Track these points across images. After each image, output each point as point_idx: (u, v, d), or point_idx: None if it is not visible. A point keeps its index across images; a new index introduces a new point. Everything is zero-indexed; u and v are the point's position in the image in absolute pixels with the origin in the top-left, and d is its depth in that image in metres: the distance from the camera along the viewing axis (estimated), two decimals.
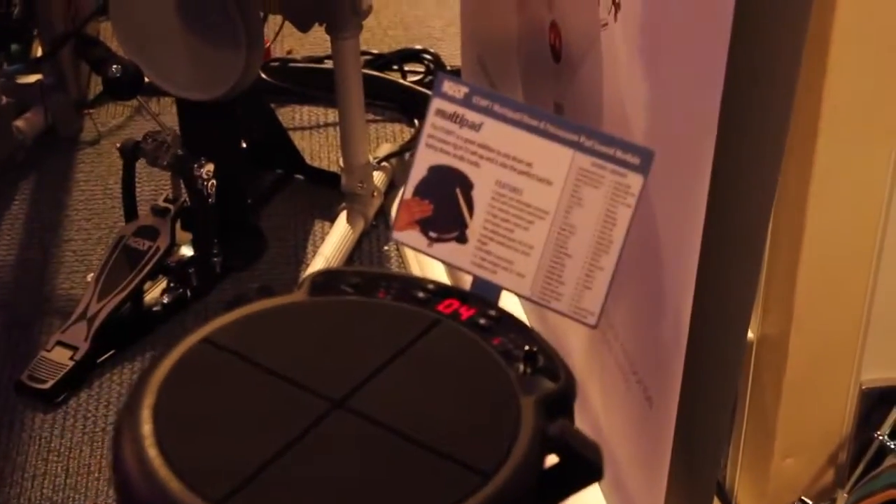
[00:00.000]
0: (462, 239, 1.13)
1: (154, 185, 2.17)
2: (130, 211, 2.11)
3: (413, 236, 1.15)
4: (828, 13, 1.15)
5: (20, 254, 2.28)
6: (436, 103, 1.15)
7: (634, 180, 1.06)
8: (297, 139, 2.50)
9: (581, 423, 1.03)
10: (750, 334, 1.36)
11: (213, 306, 2.09)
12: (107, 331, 1.98)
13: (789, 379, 1.34)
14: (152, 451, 0.93)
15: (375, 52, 2.74)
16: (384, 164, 2.36)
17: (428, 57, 2.74)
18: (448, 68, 2.63)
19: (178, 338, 1.04)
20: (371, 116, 2.45)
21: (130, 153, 2.07)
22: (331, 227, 2.24)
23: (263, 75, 2.54)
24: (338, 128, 2.29)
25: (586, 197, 1.08)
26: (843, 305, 1.32)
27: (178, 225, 2.08)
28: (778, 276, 1.31)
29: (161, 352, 1.03)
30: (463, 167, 1.14)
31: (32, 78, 2.50)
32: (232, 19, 1.91)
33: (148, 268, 2.02)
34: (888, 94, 1.22)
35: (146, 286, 2.06)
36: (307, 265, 2.18)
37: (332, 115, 2.60)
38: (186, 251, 2.13)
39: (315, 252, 2.19)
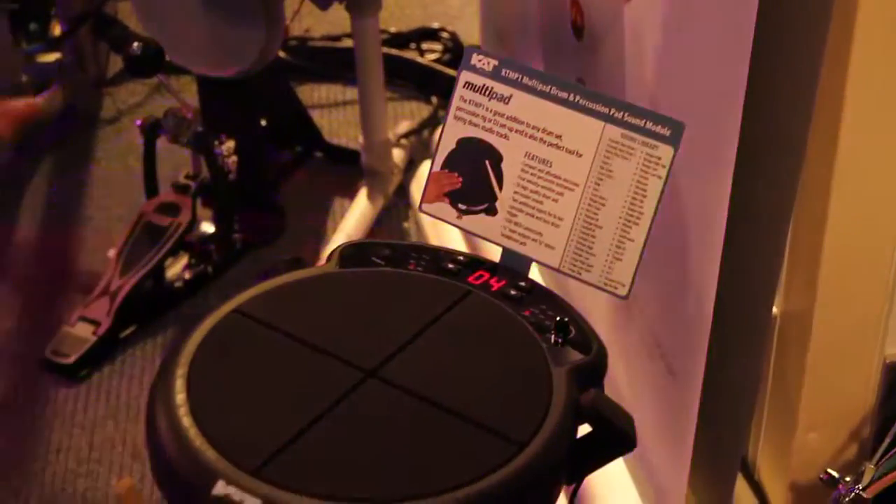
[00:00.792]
0: (491, 211, 1.13)
1: (174, 162, 2.17)
2: (151, 188, 2.12)
3: (442, 208, 1.15)
4: None
5: (42, 231, 2.29)
6: (464, 76, 1.15)
7: (665, 152, 1.06)
8: (316, 117, 2.51)
9: None
10: (774, 309, 1.36)
11: (234, 281, 2.10)
12: (129, 306, 1.99)
13: (813, 353, 1.34)
14: (186, 421, 0.93)
15: (393, 30, 2.75)
16: (403, 141, 2.37)
17: (445, 35, 2.74)
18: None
19: (200, 313, 1.04)
20: (389, 94, 2.45)
21: (151, 130, 2.07)
22: (350, 203, 2.25)
23: (282, 54, 2.54)
24: (356, 106, 2.29)
25: (616, 168, 1.08)
26: (868, 280, 1.32)
27: (198, 201, 2.09)
28: (803, 252, 1.31)
29: (192, 322, 1.03)
30: (492, 139, 1.14)
31: (51, 57, 2.51)
32: None
33: (169, 244, 2.03)
34: None
35: (167, 262, 2.07)
36: (327, 241, 2.18)
37: (350, 92, 2.60)
38: (207, 227, 2.14)
39: (335, 229, 2.20)
